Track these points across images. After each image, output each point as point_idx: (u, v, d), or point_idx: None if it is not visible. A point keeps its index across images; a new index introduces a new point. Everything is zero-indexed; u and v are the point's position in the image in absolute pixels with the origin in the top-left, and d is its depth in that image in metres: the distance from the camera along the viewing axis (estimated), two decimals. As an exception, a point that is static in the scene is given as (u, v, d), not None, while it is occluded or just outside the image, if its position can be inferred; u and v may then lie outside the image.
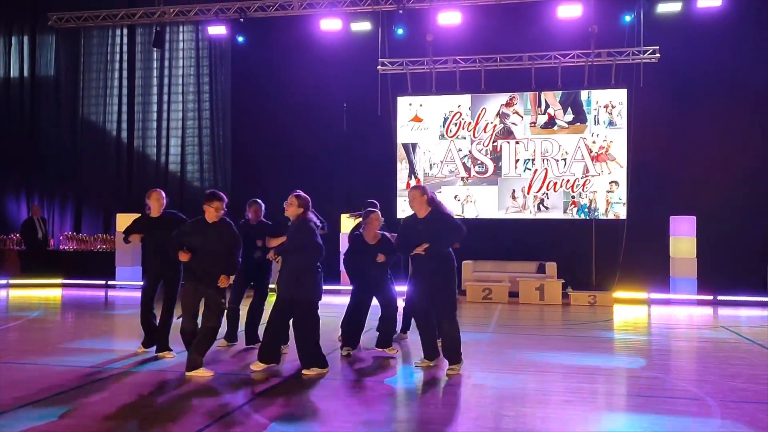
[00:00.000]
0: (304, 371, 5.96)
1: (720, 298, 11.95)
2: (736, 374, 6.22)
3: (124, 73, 16.26)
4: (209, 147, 15.77)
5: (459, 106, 14.01)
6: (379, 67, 14.31)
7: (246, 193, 14.86)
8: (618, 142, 13.29)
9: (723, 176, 13.02)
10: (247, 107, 15.33)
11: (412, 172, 14.15)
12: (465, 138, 13.97)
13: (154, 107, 16.12)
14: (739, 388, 5.69)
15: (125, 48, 16.27)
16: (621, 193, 13.24)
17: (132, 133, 16.19)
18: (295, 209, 6.04)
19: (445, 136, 14.05)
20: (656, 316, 10.69)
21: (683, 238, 12.40)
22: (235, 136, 15.60)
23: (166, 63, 16.03)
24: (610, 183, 13.32)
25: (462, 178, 13.96)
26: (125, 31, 16.25)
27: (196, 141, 15.84)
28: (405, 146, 14.21)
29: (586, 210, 13.36)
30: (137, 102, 16.20)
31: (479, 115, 13.91)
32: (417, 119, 14.19)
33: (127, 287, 13.90)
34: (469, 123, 13.95)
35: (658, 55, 13.30)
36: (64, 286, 14.10)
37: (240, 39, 15.03)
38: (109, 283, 14.09)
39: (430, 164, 14.10)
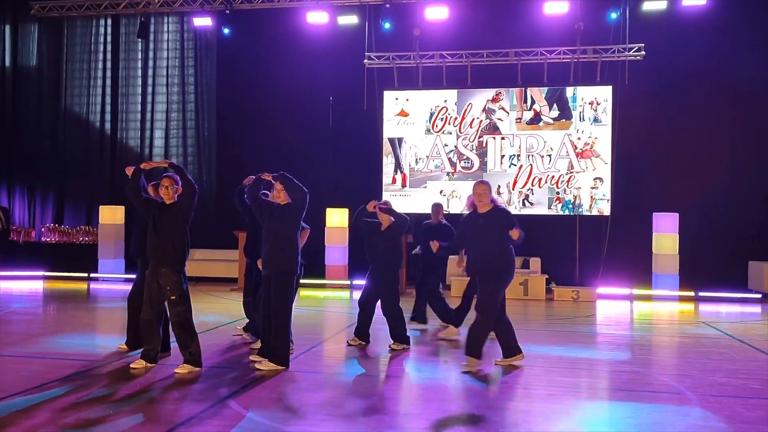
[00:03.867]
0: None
1: (701, 294, 12.08)
2: (716, 369, 6.29)
3: (108, 64, 16.08)
4: (194, 139, 15.65)
5: (445, 101, 14.02)
6: (365, 61, 14.27)
7: (231, 186, 14.88)
8: (603, 139, 13.37)
9: (706, 174, 13.14)
10: (233, 100, 15.23)
11: (397, 166, 14.15)
12: (451, 133, 13.99)
13: (138, 98, 15.97)
14: (719, 383, 5.75)
15: (109, 38, 16.08)
16: (605, 189, 13.33)
17: (116, 125, 16.03)
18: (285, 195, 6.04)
19: (431, 131, 14.06)
20: (638, 312, 10.78)
21: (666, 235, 12.51)
22: (220, 129, 15.49)
23: (151, 54, 15.87)
24: (594, 179, 13.40)
25: (447, 173, 13.98)
26: (109, 21, 16.06)
27: (181, 133, 15.72)
28: (391, 141, 14.20)
29: (571, 206, 13.44)
30: (121, 93, 16.03)
31: (465, 110, 13.93)
32: (403, 114, 14.18)
33: (110, 280, 13.80)
34: (455, 118, 13.97)
35: (643, 52, 13.38)
36: (45, 278, 13.97)
37: (226, 31, 14.90)
38: (92, 275, 13.98)
39: (416, 159, 14.10)
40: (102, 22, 16.09)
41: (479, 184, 6.31)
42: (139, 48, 15.91)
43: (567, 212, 13.42)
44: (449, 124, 14.00)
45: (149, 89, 15.89)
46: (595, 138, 13.41)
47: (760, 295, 12.03)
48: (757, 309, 11.13)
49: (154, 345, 5.89)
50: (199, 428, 4.31)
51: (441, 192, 13.92)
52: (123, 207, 14.16)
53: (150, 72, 15.88)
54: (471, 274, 6.47)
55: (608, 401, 5.36)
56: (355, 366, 6.33)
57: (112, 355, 6.41)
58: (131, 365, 5.84)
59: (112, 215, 14.17)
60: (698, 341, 7.98)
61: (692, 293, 12.10)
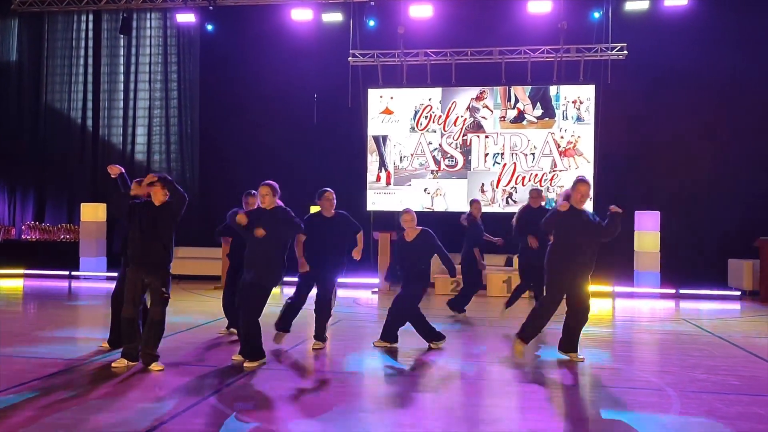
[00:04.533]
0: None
1: (682, 291, 12.21)
2: (695, 365, 6.37)
3: (90, 60, 15.92)
4: (177, 136, 15.54)
5: (429, 100, 14.04)
6: (350, 58, 14.26)
7: (214, 184, 14.85)
8: (585, 138, 13.47)
9: (687, 172, 13.29)
10: (216, 97, 15.15)
11: (382, 164, 14.16)
12: (435, 131, 14.02)
13: (121, 95, 15.83)
14: (698, 379, 5.83)
15: (91, 34, 15.92)
16: (588, 187, 13.40)
17: (97, 121, 15.88)
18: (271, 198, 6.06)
19: (416, 129, 14.08)
20: (620, 309, 10.88)
21: (647, 233, 12.62)
22: (203, 126, 15.41)
23: (133, 50, 15.73)
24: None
25: (432, 172, 14.01)
26: (91, 16, 15.90)
27: (164, 130, 15.60)
28: (375, 138, 14.21)
29: (554, 204, 13.51)
30: (103, 89, 15.88)
31: (449, 108, 13.97)
32: (387, 111, 14.19)
33: (91, 278, 13.68)
34: (440, 116, 14.00)
35: (625, 52, 13.49)
36: (26, 276, 13.81)
37: (209, 27, 14.84)
38: (73, 273, 13.84)
39: (401, 157, 14.12)
40: (83, 17, 15.93)
41: (586, 183, 6.27)
42: (122, 44, 15.78)
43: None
44: (433, 122, 14.03)
45: (131, 86, 15.76)
46: (578, 137, 13.50)
47: (739, 293, 12.19)
48: (736, 306, 11.28)
49: (136, 343, 5.86)
50: (180, 426, 4.29)
51: (425, 190, 13.95)
52: (105, 204, 14.03)
53: (132, 68, 15.75)
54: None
55: (588, 398, 5.41)
56: (338, 364, 6.33)
57: (93, 354, 6.36)
58: (113, 364, 5.81)
59: (93, 213, 14.03)
60: (678, 338, 8.07)
61: (673, 290, 12.23)
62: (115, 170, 6.33)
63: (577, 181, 6.31)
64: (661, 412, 4.83)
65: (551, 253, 6.35)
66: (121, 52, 15.82)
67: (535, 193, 9.03)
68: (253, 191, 7.09)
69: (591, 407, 5.06)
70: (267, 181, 6.15)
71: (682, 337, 8.06)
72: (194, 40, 15.37)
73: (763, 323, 9.37)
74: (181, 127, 15.51)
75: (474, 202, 9.71)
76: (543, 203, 9.11)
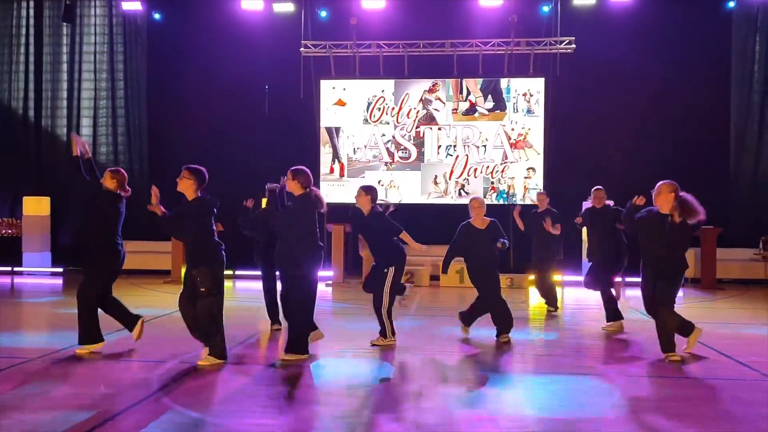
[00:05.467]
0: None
1: (628, 279, 12.54)
2: (641, 351, 6.58)
3: (31, 49, 15.34)
4: (124, 128, 15.15)
5: (383, 91, 14.04)
6: (302, 49, 14.13)
7: (164, 176, 14.51)
8: (535, 130, 13.70)
9: (633, 164, 13.63)
10: (165, 87, 14.81)
11: (335, 156, 14.11)
12: (389, 123, 14.04)
13: (64, 85, 15.33)
14: (641, 364, 6.03)
15: (32, 21, 15.34)
16: (537, 179, 13.66)
17: (40, 112, 15.34)
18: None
19: (369, 120, 14.08)
20: (569, 298, 11.13)
21: (595, 223, 12.91)
22: (151, 118, 15.04)
23: (77, 39, 15.23)
24: (527, 169, 13.72)
25: (385, 164, 14.04)
26: (32, 3, 15.33)
27: (110, 122, 15.18)
28: (328, 130, 14.14)
29: (505, 195, 13.73)
30: (45, 79, 15.34)
31: (402, 100, 14.00)
32: (340, 103, 14.14)
33: (35, 274, 13.27)
34: (393, 108, 14.02)
35: (573, 45, 13.74)
36: (-35, 273, 13.33)
37: (156, 16, 14.51)
38: (16, 269, 13.40)
39: (354, 149, 14.10)
40: (24, 4, 15.34)
41: (673, 184, 6.32)
42: (65, 32, 15.26)
43: (501, 201, 13.70)
44: (387, 114, 14.04)
45: (76, 75, 15.27)
46: (528, 129, 13.72)
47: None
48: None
49: (219, 337, 5.74)
50: (128, 422, 4.22)
51: (379, 182, 13.96)
52: (48, 198, 13.64)
53: (76, 57, 15.25)
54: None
55: (535, 384, 5.52)
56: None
57: (37, 351, 6.18)
58: (198, 362, 5.62)
59: (36, 206, 13.61)
60: (625, 325, 8.29)
61: (620, 279, 12.53)
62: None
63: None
64: (605, 397, 4.97)
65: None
66: (65, 41, 15.31)
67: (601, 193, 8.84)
68: None
69: (538, 394, 5.17)
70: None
71: (627, 325, 8.29)
72: (141, 29, 14.98)
73: (703, 309, 9.74)
74: (128, 118, 15.12)
75: (539, 195, 9.85)
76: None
